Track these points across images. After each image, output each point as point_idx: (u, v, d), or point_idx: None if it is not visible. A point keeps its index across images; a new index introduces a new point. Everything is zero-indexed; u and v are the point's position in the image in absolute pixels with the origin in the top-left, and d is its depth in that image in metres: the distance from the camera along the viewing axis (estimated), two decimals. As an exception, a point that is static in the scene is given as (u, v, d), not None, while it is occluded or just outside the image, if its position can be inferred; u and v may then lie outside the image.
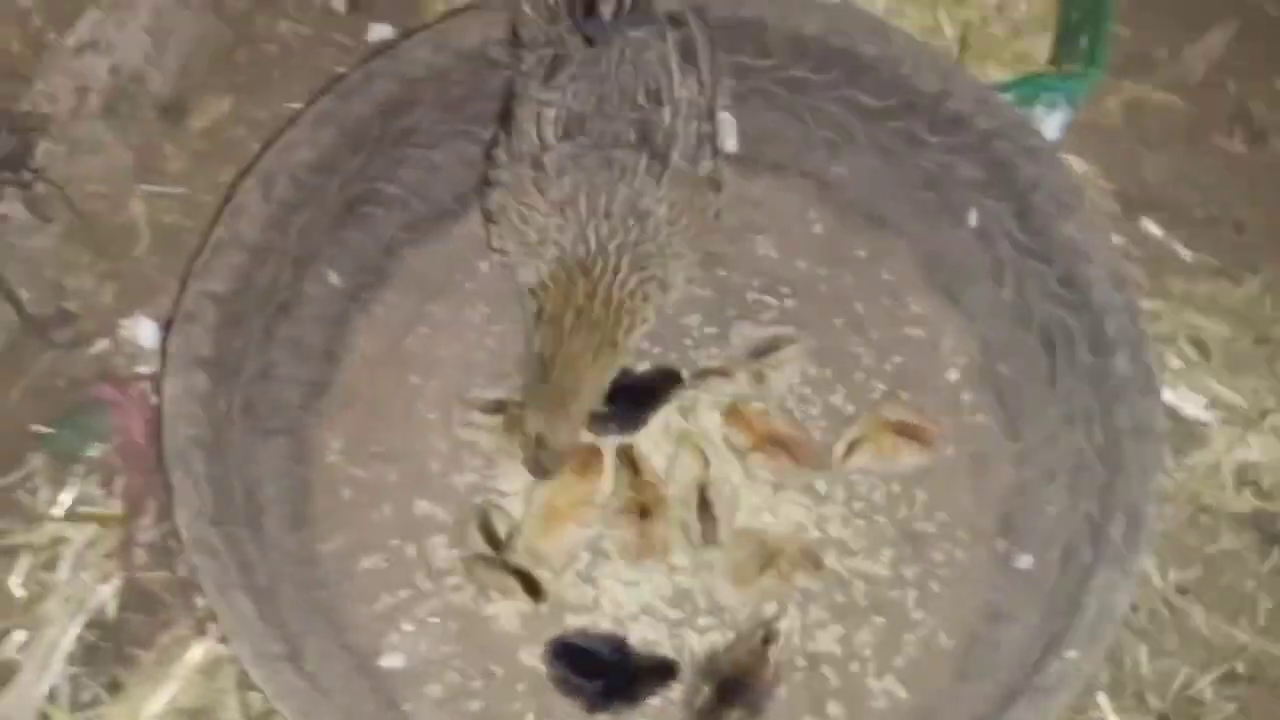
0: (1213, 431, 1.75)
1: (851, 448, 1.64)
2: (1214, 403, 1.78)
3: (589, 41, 1.46)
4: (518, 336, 1.76)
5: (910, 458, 1.64)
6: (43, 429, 1.70)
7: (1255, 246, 1.93)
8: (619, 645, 1.56)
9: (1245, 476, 1.72)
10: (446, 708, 1.54)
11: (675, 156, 1.47)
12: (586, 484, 1.62)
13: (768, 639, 1.50)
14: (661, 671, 1.53)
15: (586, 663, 1.53)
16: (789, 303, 1.81)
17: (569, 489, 1.61)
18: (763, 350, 1.72)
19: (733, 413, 1.69)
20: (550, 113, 1.47)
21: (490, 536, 1.58)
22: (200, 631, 1.58)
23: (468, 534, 1.60)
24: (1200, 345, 1.83)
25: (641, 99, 1.47)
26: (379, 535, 1.65)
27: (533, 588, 1.56)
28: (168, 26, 1.97)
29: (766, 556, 1.57)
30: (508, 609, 1.58)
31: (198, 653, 1.57)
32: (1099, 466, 1.46)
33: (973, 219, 1.69)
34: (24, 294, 1.76)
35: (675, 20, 1.50)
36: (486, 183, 1.57)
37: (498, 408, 1.67)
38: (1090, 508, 1.43)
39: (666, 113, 1.47)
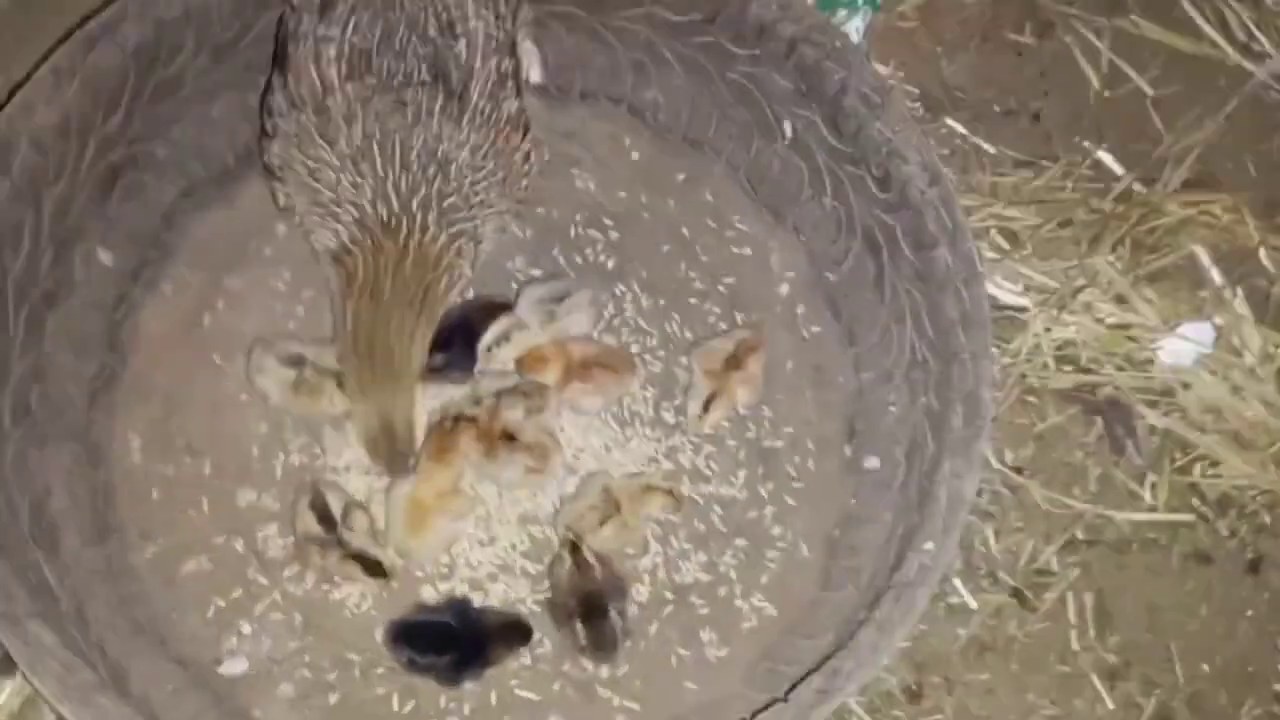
0: (1030, 315, 1.81)
1: (708, 405, 1.59)
2: (1029, 288, 1.84)
3: None
4: (329, 301, 1.63)
5: (750, 388, 1.61)
6: None
7: (1051, 135, 1.99)
8: (463, 610, 1.48)
9: (1064, 354, 1.79)
10: (301, 706, 1.44)
11: (474, 94, 1.37)
12: (448, 469, 1.50)
13: (575, 546, 1.47)
14: (514, 627, 1.47)
15: (432, 637, 1.45)
16: (613, 234, 1.74)
17: (431, 479, 1.49)
18: (552, 300, 1.63)
19: (527, 361, 1.58)
20: (330, 50, 1.34)
21: (323, 515, 1.46)
22: (7, 671, 1.41)
23: (299, 515, 1.47)
24: (1010, 235, 1.89)
25: (433, 32, 1.35)
26: (199, 535, 1.51)
27: (374, 568, 1.47)
28: None
29: (610, 502, 1.52)
30: (356, 590, 1.48)
31: (6, 695, 1.40)
32: (932, 360, 1.48)
33: (787, 130, 1.66)
34: None
35: None
36: (265, 134, 1.42)
37: (295, 362, 1.53)
38: (929, 401, 1.45)
39: (462, 46, 1.36)
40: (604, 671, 1.48)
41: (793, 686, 1.30)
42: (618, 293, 1.70)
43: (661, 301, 1.71)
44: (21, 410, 1.37)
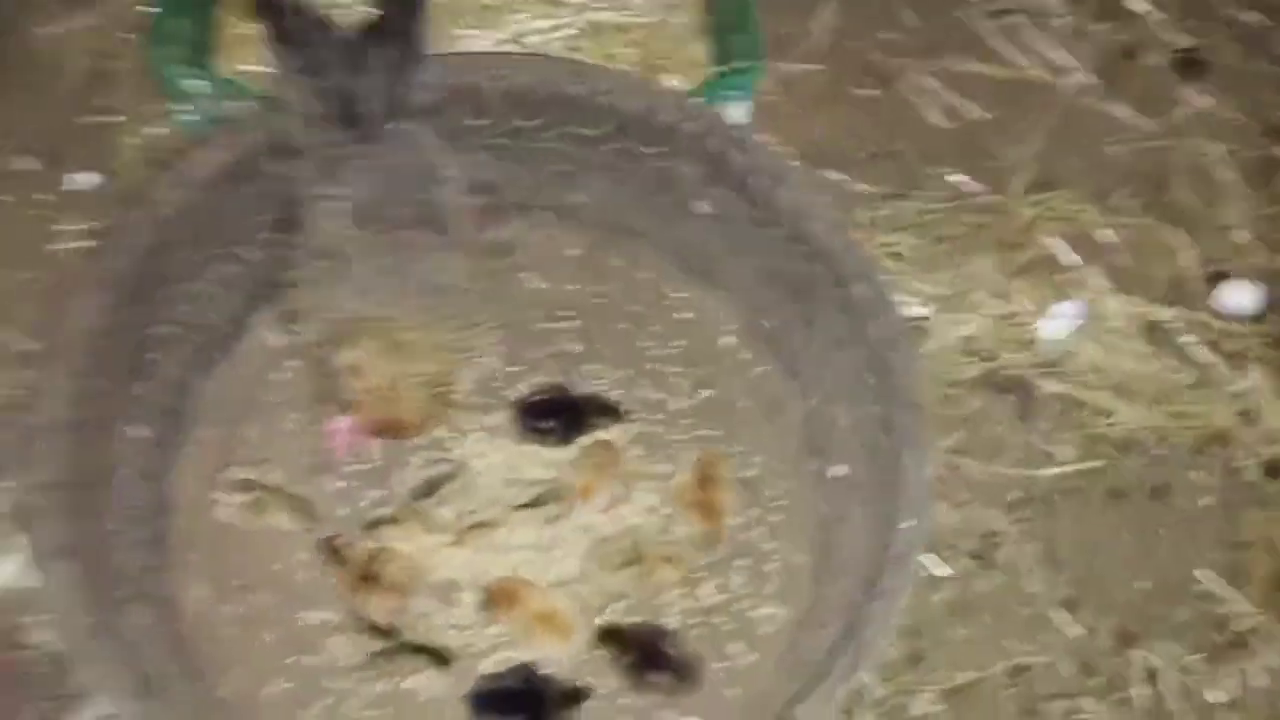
0: (931, 323, 2.13)
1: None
2: (925, 299, 2.16)
3: (364, 139, 1.54)
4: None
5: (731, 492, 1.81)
6: None
7: (910, 169, 2.34)
8: (528, 675, 1.66)
9: (967, 349, 2.11)
10: (403, 790, 1.59)
11: (461, 227, 1.59)
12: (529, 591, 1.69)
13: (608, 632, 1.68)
14: (572, 694, 1.65)
15: (507, 703, 1.64)
16: (573, 323, 1.99)
17: (530, 598, 1.67)
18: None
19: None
20: (342, 205, 1.54)
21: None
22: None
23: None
24: (898, 257, 2.21)
25: (421, 181, 1.57)
26: (272, 659, 1.65)
27: (441, 658, 1.64)
28: None
29: (634, 551, 1.73)
30: (425, 679, 1.65)
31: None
32: (869, 375, 1.75)
33: (704, 208, 1.94)
34: None
35: (433, 109, 1.60)
36: (282, 284, 1.62)
37: (243, 488, 1.71)
38: (876, 409, 1.72)
39: (446, 189, 1.59)
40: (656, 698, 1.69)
41: (817, 672, 1.54)
42: (586, 371, 1.94)
43: (630, 372, 1.96)
44: (101, 583, 1.51)
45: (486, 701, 1.63)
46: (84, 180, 2.11)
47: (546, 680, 1.66)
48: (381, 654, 1.64)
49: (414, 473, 1.80)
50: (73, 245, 2.04)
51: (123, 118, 2.19)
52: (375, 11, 1.54)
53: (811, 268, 1.83)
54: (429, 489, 1.79)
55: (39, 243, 2.03)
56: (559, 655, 1.66)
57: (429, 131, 1.60)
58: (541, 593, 1.67)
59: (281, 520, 1.73)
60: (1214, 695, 1.86)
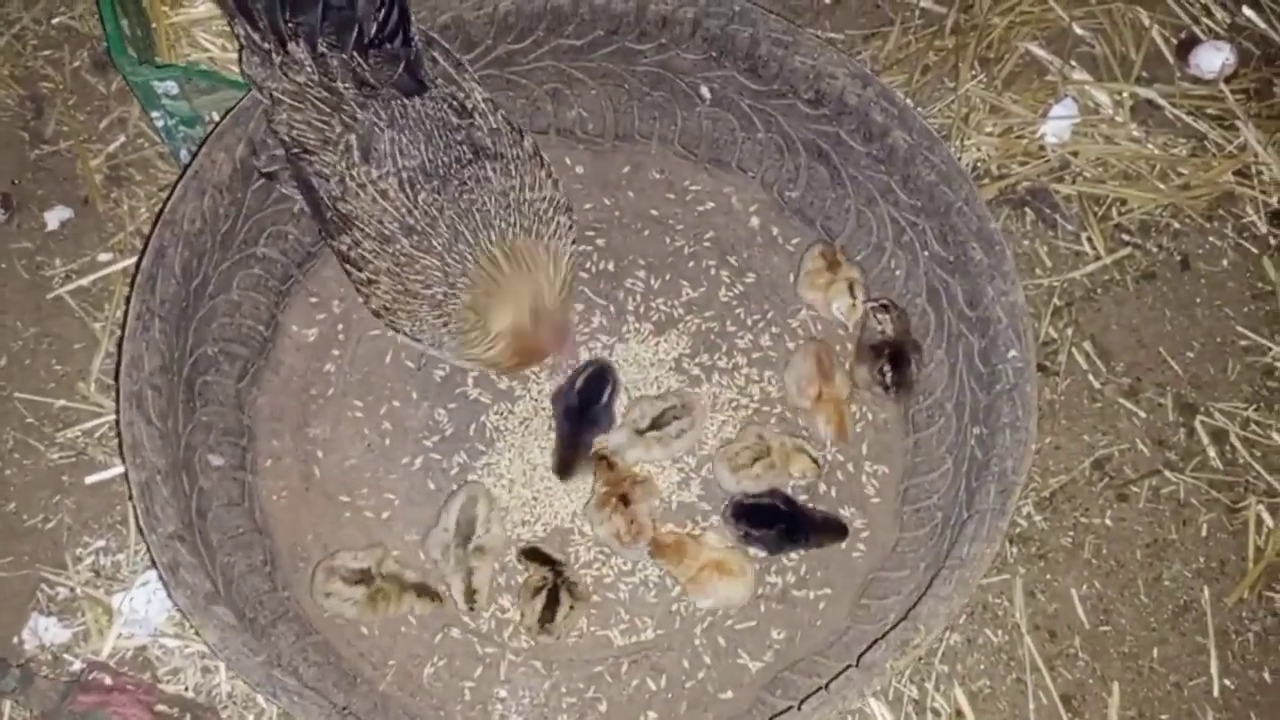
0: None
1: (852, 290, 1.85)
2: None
3: (414, 89, 1.49)
4: (406, 406, 1.80)
5: (858, 268, 1.89)
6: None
7: (880, 5, 2.30)
8: (787, 497, 1.74)
9: (978, 171, 2.13)
10: (586, 723, 1.64)
11: (505, 147, 1.55)
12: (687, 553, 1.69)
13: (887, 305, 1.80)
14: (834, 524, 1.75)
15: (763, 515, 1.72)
16: (599, 241, 1.95)
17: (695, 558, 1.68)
18: (655, 424, 1.77)
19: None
20: (392, 182, 1.48)
21: (542, 558, 1.66)
22: None
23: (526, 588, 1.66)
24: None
25: (455, 119, 1.51)
26: (419, 641, 1.67)
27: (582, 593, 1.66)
28: None
29: (763, 446, 1.74)
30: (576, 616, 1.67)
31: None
32: (924, 220, 1.75)
33: (705, 93, 1.89)
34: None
35: (428, 40, 1.55)
36: (365, 283, 1.56)
37: (361, 578, 1.62)
38: (936, 251, 1.74)
39: (478, 118, 1.54)
40: (790, 578, 1.74)
41: (949, 515, 1.60)
42: (629, 286, 1.92)
43: (667, 277, 1.93)
44: (239, 613, 1.48)
45: (744, 511, 1.71)
46: (61, 215, 1.98)
47: (806, 506, 1.76)
48: (552, 585, 1.64)
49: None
50: (72, 286, 1.93)
51: (73, 142, 2.04)
52: None
53: (835, 127, 1.81)
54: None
55: (35, 291, 1.92)
56: (737, 599, 1.68)
57: (443, 62, 1.54)
58: (703, 542, 1.68)
59: (405, 608, 1.64)
60: (1280, 439, 1.98)
